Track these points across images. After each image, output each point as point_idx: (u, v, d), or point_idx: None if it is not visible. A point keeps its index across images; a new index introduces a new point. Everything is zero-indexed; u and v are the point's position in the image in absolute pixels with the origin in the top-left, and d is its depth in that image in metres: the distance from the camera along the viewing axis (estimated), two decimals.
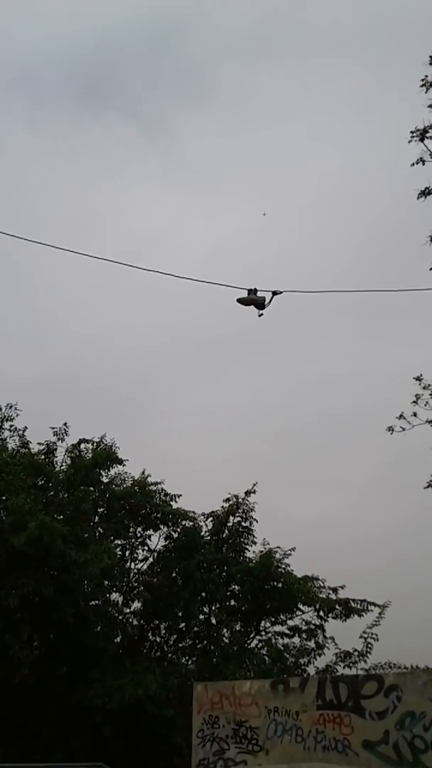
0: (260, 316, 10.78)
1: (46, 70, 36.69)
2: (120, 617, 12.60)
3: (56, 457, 13.75)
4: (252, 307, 10.94)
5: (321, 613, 12.94)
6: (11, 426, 13.82)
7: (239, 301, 10.78)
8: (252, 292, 10.93)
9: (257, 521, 13.78)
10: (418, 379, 12.05)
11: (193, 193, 37.32)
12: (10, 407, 13.76)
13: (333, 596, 12.99)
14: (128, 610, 12.82)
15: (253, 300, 10.86)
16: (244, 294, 10.95)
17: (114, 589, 12.55)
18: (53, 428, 13.69)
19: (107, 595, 12.33)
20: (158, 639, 13.10)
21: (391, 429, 11.92)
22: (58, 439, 13.72)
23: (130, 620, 12.85)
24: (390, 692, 6.79)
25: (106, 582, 12.03)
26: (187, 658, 12.92)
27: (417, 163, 11.27)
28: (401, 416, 11.93)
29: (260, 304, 10.81)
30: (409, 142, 11.22)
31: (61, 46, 34.34)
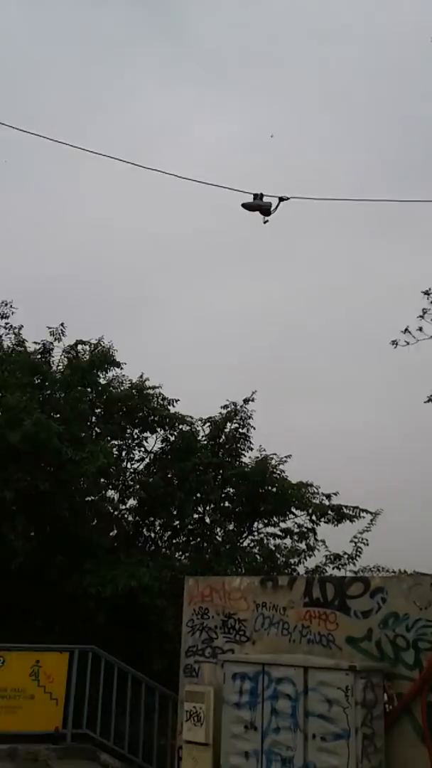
0: (266, 222, 10.40)
1: None
2: (116, 513, 12.87)
3: (53, 357, 13.66)
4: (257, 213, 10.56)
5: (313, 518, 13.24)
6: (6, 323, 13.66)
7: (244, 206, 10.38)
8: (258, 197, 10.51)
9: (255, 428, 13.90)
10: (427, 293, 11.80)
11: (203, 85, 35.46)
12: (6, 304, 13.53)
13: (326, 502, 13.26)
14: (124, 507, 13.10)
15: (259, 205, 10.45)
16: (250, 198, 10.54)
17: (110, 486, 12.75)
18: (50, 328, 13.54)
19: (103, 492, 12.54)
20: (153, 535, 13.44)
21: (395, 343, 11.79)
22: (55, 339, 13.59)
23: (126, 516, 13.15)
24: (375, 594, 6.95)
25: (102, 480, 12.19)
26: (180, 553, 13.30)
27: None
28: (406, 330, 11.77)
29: (266, 210, 10.42)
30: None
31: None
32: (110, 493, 12.83)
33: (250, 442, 13.85)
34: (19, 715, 9.06)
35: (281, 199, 10.40)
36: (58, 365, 13.57)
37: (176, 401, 13.75)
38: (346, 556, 12.71)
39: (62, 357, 13.60)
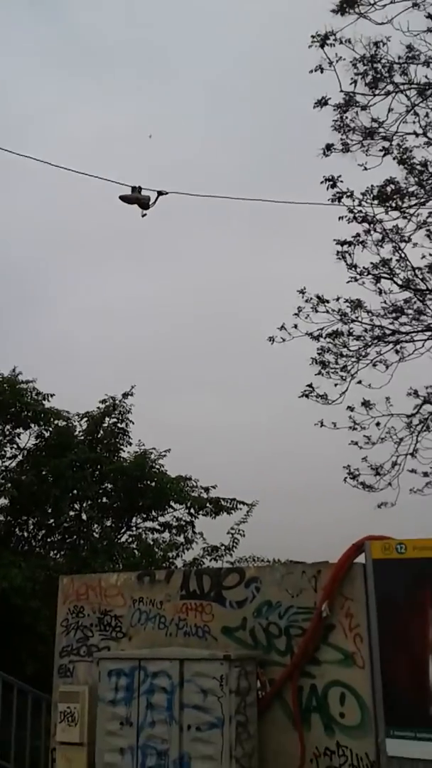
0: (144, 216, 10.39)
1: None
2: None
3: None
4: (136, 206, 10.50)
5: (192, 511, 13.37)
6: None
7: (122, 198, 10.30)
8: (136, 189, 10.47)
9: (133, 423, 13.83)
10: (302, 291, 12.26)
11: (83, 71, 34.65)
12: None
13: (205, 495, 13.43)
14: None
15: (138, 199, 10.42)
16: (128, 191, 10.46)
17: None
18: None
19: None
20: (26, 534, 13.03)
21: (272, 339, 12.17)
22: None
23: None
24: (250, 584, 7.11)
25: None
26: (55, 552, 12.99)
27: (316, 71, 10.96)
28: (282, 327, 12.18)
29: (144, 204, 10.41)
30: (309, 47, 10.80)
31: None
32: None
33: (129, 437, 13.79)
34: None
35: (160, 193, 10.40)
36: None
37: (51, 396, 13.42)
38: (223, 548, 12.95)
39: None
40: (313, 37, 10.65)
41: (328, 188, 11.39)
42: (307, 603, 6.71)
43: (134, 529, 13.47)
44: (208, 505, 13.33)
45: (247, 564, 12.47)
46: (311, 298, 12.06)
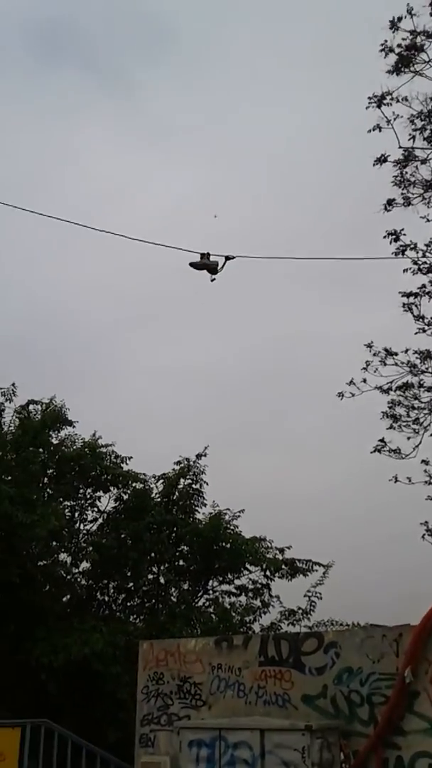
0: (213, 281, 10.75)
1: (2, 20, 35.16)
2: (68, 577, 12.63)
3: (4, 418, 13.54)
4: (205, 271, 10.89)
5: (267, 573, 13.22)
6: None
7: (192, 265, 10.70)
8: (205, 256, 10.86)
9: (207, 484, 13.93)
10: (369, 345, 12.26)
11: (152, 150, 36.59)
12: None
13: (280, 556, 13.28)
14: (77, 570, 12.84)
15: (206, 264, 10.79)
16: (197, 257, 10.87)
17: (62, 549, 12.53)
18: (1, 388, 13.46)
19: (55, 556, 12.32)
20: (106, 598, 13.17)
21: (341, 395, 12.14)
22: (6, 400, 13.52)
23: (79, 580, 12.90)
24: (329, 649, 6.96)
25: (54, 543, 12.00)
26: (134, 616, 13.07)
27: (374, 130, 11.26)
28: (351, 382, 12.15)
29: (213, 269, 10.77)
30: (367, 108, 11.16)
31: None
32: (63, 556, 12.60)
33: (204, 498, 13.87)
34: None
35: (227, 258, 10.78)
36: (10, 426, 13.46)
37: (129, 459, 13.74)
38: (300, 611, 12.70)
39: (14, 417, 13.51)
40: (369, 98, 11.04)
41: (391, 242, 11.52)
42: (389, 668, 6.49)
43: (211, 592, 13.42)
44: (283, 566, 13.15)
45: (325, 628, 12.17)
46: (379, 352, 12.04)
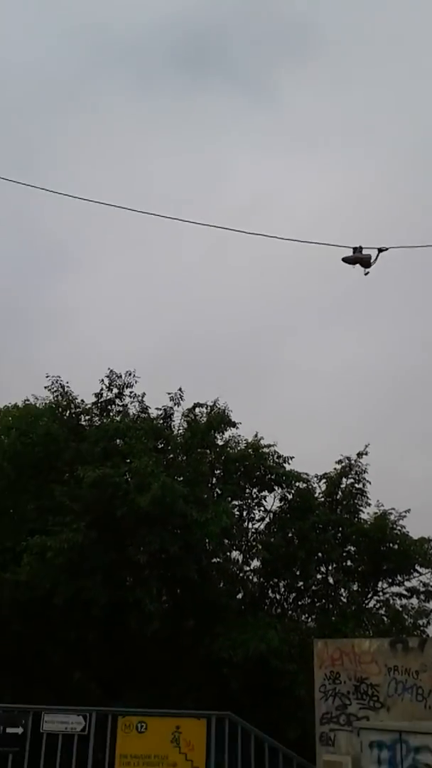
0: (366, 274, 10.65)
1: (149, 42, 36.86)
2: (241, 574, 13.11)
3: (173, 421, 14.22)
4: (358, 265, 10.82)
5: None
6: (131, 392, 14.32)
7: (344, 260, 10.67)
8: (357, 250, 10.79)
9: (370, 483, 13.81)
10: None
11: (298, 152, 36.62)
12: (130, 374, 14.28)
13: None
14: (248, 568, 13.29)
15: (359, 258, 10.72)
16: (350, 253, 10.83)
17: (234, 547, 13.03)
18: (169, 393, 14.15)
19: (228, 553, 12.83)
20: (278, 596, 13.51)
21: None
22: (174, 404, 14.14)
23: (251, 578, 13.34)
24: None
25: (226, 540, 12.49)
26: (306, 615, 13.30)
27: None
28: None
29: (366, 262, 10.68)
30: None
31: (163, 17, 34.30)
32: (234, 554, 13.10)
33: (367, 497, 13.76)
34: None
35: (380, 250, 10.63)
36: (179, 428, 14.14)
37: (291, 459, 13.93)
38: None
39: (182, 420, 14.14)
40: None
41: None
42: None
43: (381, 594, 13.33)
44: None
45: None
46: None
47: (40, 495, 12.34)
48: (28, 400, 14.57)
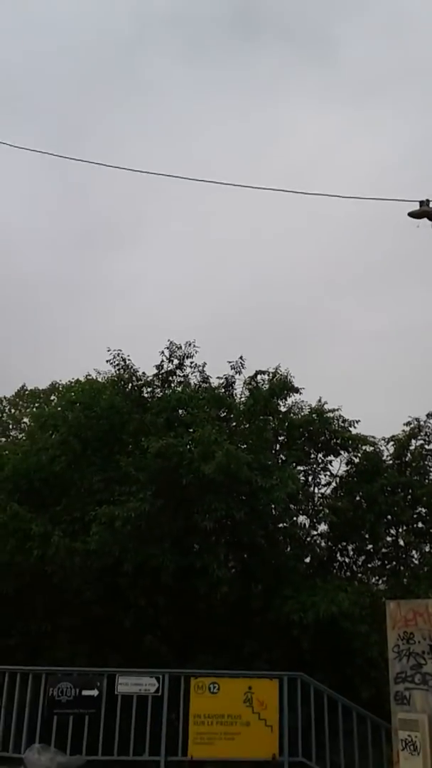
0: None
1: (196, 7, 36.37)
2: (308, 539, 13.02)
3: (235, 389, 14.17)
4: (425, 219, 10.45)
5: None
6: (192, 362, 14.33)
7: (411, 214, 10.34)
8: (425, 203, 10.43)
9: None
10: None
11: (355, 106, 35.54)
12: (190, 345, 14.27)
13: None
14: (315, 533, 13.18)
15: (426, 212, 10.38)
16: (416, 207, 10.47)
17: (300, 512, 12.94)
18: (230, 362, 14.09)
19: (294, 518, 12.74)
20: (347, 560, 13.36)
21: None
22: (236, 373, 14.09)
23: (318, 542, 13.23)
24: None
25: (292, 506, 12.41)
26: (376, 578, 13.11)
27: None
28: None
29: None
30: None
31: None
32: (301, 518, 13.00)
33: None
34: (237, 742, 9.31)
35: None
36: (241, 397, 14.10)
37: (357, 422, 13.67)
38: None
39: (244, 388, 14.09)
40: None
41: None
42: None
43: None
44: None
45: None
46: None
47: (106, 467, 12.53)
48: (90, 375, 14.83)
